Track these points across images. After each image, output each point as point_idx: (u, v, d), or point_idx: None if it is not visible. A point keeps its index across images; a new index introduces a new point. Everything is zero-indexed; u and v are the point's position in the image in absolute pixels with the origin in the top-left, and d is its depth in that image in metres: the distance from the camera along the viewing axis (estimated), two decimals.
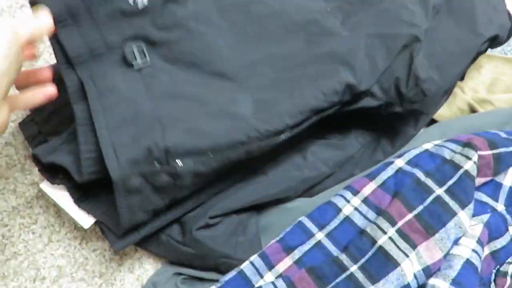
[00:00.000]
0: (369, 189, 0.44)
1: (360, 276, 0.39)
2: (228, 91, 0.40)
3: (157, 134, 0.36)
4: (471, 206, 0.40)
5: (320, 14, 0.44)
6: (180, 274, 0.43)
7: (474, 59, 0.51)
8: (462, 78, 0.57)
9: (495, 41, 0.50)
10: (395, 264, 0.38)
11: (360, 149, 0.49)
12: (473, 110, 0.54)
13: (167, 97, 0.38)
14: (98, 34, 0.37)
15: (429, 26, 0.45)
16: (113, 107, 0.37)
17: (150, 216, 0.39)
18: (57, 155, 0.40)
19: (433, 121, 0.54)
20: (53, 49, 0.36)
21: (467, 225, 0.40)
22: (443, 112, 0.54)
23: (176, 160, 0.36)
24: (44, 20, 0.34)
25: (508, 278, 0.41)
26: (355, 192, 0.44)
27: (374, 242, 0.40)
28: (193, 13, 0.41)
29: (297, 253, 0.42)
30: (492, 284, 0.41)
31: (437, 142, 0.46)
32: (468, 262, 0.39)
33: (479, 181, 0.42)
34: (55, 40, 0.36)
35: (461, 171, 0.41)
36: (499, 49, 0.62)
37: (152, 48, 0.39)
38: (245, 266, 0.41)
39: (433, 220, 0.39)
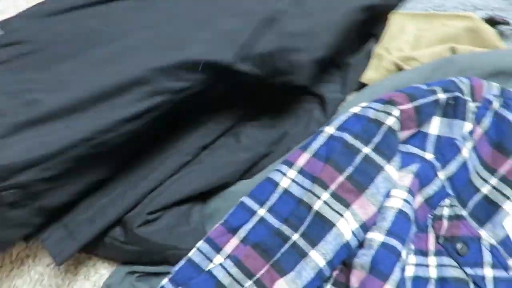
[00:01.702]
0: (303, 159, 0.45)
1: (302, 243, 0.40)
2: None
3: None
4: (396, 158, 0.42)
5: None
6: (133, 272, 0.44)
7: (360, 30, 0.50)
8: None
9: (375, 10, 0.49)
10: (331, 225, 0.40)
11: (293, 123, 0.50)
12: (400, 69, 0.56)
13: None
14: None
15: None
16: None
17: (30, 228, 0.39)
18: None
19: (363, 85, 0.55)
20: None
21: (396, 177, 0.42)
22: (371, 75, 0.55)
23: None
24: None
25: (444, 220, 0.43)
26: (291, 165, 0.45)
27: (310, 208, 0.41)
28: None
29: (242, 232, 0.43)
30: (430, 228, 0.43)
31: (363, 104, 0.47)
32: (400, 212, 0.41)
33: (404, 134, 0.44)
34: None
35: (384, 127, 0.43)
36: (421, 6, 0.64)
37: None
38: (192, 253, 0.42)
39: (363, 178, 0.41)
